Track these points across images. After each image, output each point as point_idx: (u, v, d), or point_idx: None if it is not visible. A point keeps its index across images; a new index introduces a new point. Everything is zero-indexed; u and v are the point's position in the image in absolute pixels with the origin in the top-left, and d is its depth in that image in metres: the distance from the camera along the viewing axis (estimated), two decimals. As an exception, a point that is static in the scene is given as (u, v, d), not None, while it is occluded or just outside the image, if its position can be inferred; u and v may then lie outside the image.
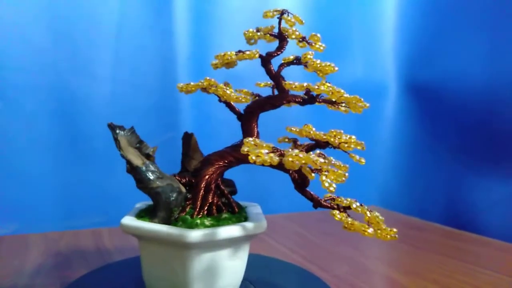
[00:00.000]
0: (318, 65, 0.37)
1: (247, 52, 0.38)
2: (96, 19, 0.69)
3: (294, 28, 0.38)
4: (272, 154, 0.29)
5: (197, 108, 0.75)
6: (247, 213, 0.39)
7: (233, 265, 0.36)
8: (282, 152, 0.30)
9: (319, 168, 0.31)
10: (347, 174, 0.32)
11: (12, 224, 0.66)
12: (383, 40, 0.92)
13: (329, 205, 0.35)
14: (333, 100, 0.37)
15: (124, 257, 0.53)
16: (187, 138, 0.43)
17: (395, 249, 0.64)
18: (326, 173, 0.31)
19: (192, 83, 0.39)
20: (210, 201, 0.37)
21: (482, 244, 0.66)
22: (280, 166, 0.33)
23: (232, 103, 0.40)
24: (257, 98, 0.41)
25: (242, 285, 0.41)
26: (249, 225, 0.35)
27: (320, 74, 0.37)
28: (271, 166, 0.32)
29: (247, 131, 0.39)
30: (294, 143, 0.41)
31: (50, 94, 0.67)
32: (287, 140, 0.42)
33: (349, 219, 0.32)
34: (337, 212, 0.33)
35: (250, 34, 0.39)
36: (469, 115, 0.78)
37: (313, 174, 0.31)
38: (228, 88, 0.38)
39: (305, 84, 0.36)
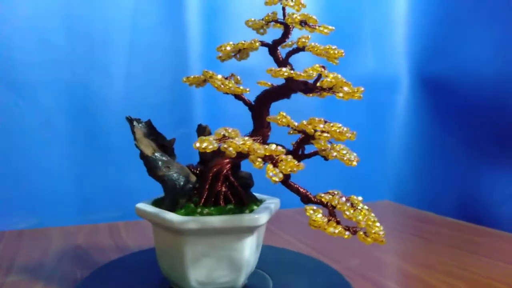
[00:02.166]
0: (323, 50, 0.36)
1: (245, 42, 0.38)
2: (110, 17, 0.70)
3: (291, 12, 0.37)
4: (213, 142, 0.30)
5: (209, 102, 0.76)
6: (258, 207, 0.40)
7: (229, 256, 0.36)
8: (227, 140, 0.30)
9: (267, 157, 0.30)
10: (302, 164, 0.31)
11: (32, 218, 0.68)
12: (395, 33, 0.92)
13: (318, 201, 0.34)
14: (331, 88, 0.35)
15: (141, 249, 0.54)
16: (201, 131, 0.44)
17: (408, 242, 0.64)
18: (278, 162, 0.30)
19: (192, 76, 0.39)
20: (218, 191, 0.38)
21: (495, 237, 0.66)
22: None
23: (243, 95, 0.39)
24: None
25: (256, 274, 0.42)
26: (240, 217, 0.35)
27: (329, 60, 0.37)
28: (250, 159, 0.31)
29: (258, 122, 0.39)
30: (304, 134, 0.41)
31: (67, 91, 0.69)
32: (291, 132, 0.41)
33: (319, 215, 0.31)
34: (312, 208, 0.32)
35: (251, 23, 0.39)
36: (481, 108, 0.78)
37: (260, 164, 0.30)
38: (228, 80, 0.37)
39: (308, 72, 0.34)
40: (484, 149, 0.77)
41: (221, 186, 0.39)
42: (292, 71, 0.34)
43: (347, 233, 0.31)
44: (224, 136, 0.32)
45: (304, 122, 0.34)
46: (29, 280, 0.46)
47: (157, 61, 0.74)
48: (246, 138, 0.31)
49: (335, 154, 0.34)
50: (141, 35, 0.73)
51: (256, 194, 0.43)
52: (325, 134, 0.33)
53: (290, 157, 0.31)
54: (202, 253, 0.36)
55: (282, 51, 0.39)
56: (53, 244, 0.59)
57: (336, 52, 0.36)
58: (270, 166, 0.30)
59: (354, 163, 0.34)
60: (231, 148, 0.30)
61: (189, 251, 0.35)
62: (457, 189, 0.82)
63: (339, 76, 0.35)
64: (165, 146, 0.39)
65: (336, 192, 0.34)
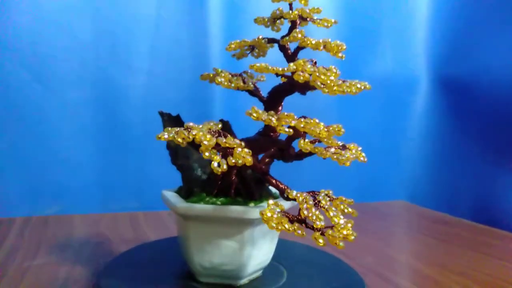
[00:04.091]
0: (321, 44, 0.36)
1: (249, 40, 0.39)
2: (134, 15, 0.72)
3: (285, 11, 0.38)
4: (172, 132, 0.32)
5: (229, 100, 0.77)
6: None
7: (230, 246, 0.37)
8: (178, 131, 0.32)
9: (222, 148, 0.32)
10: (249, 158, 0.31)
11: (55, 205, 0.71)
12: (414, 34, 0.91)
13: (292, 198, 0.34)
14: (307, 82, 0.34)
15: (159, 237, 0.56)
16: (223, 126, 0.45)
17: (422, 242, 0.65)
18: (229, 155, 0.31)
19: (206, 73, 0.41)
20: (229, 183, 0.39)
21: (510, 240, 0.65)
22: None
23: (259, 91, 0.40)
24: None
25: (271, 266, 0.43)
26: (227, 208, 0.36)
27: (333, 54, 0.37)
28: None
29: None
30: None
31: (92, 85, 0.71)
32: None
33: (276, 216, 0.30)
34: (276, 203, 0.32)
35: (259, 21, 0.41)
36: (499, 110, 0.77)
37: (212, 155, 0.31)
38: (236, 77, 0.38)
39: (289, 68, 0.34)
40: (501, 152, 0.77)
41: (233, 179, 0.40)
42: (270, 67, 0.35)
43: (299, 231, 0.30)
44: (187, 128, 0.33)
45: (274, 118, 0.34)
46: (54, 263, 0.48)
47: (178, 58, 0.76)
48: (207, 129, 0.33)
49: (330, 153, 0.33)
50: (163, 33, 0.74)
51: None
52: (287, 129, 0.33)
53: (245, 150, 0.32)
54: (203, 239, 0.37)
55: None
56: (76, 231, 0.62)
57: (334, 45, 0.36)
58: (216, 157, 0.31)
59: (348, 163, 0.33)
60: (179, 139, 0.32)
61: (192, 236, 0.38)
62: (473, 191, 0.82)
63: (321, 69, 0.34)
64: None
65: (318, 192, 0.34)
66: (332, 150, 0.34)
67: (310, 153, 0.35)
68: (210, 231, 0.37)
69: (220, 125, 0.35)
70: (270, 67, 0.35)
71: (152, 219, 0.69)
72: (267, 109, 0.39)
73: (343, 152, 0.34)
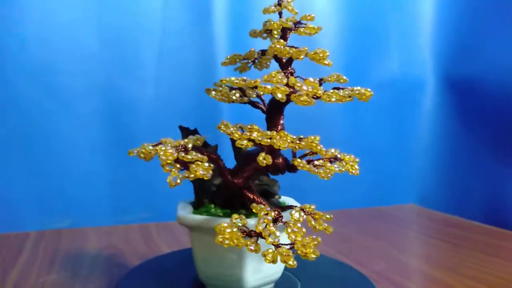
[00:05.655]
0: (302, 52, 0.36)
1: (242, 54, 0.40)
2: (140, 26, 0.73)
3: (275, 21, 0.38)
4: (148, 147, 0.34)
5: (237, 107, 0.78)
6: None
7: (230, 257, 0.37)
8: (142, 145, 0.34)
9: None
10: (203, 172, 0.32)
11: (68, 218, 0.72)
12: (421, 34, 0.91)
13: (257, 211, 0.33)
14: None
15: (172, 250, 0.57)
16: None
17: (433, 246, 0.64)
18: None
19: (207, 88, 0.41)
20: (235, 195, 0.39)
21: (524, 243, 0.65)
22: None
23: (256, 103, 0.40)
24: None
25: (283, 276, 0.43)
26: (210, 220, 0.36)
27: (318, 62, 0.37)
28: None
29: (271, 125, 0.39)
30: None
31: (100, 96, 0.72)
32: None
33: (231, 230, 0.30)
34: (238, 216, 0.32)
35: (253, 33, 0.41)
36: (509, 110, 0.77)
37: (170, 169, 0.32)
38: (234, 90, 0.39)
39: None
40: (511, 151, 0.76)
41: (238, 191, 0.40)
42: (238, 79, 0.36)
43: (251, 247, 0.29)
44: (158, 143, 0.35)
45: (236, 133, 0.34)
46: (70, 277, 0.49)
47: (185, 66, 0.76)
48: (170, 144, 0.34)
49: (307, 166, 0.34)
50: (169, 40, 0.75)
51: (288, 199, 0.44)
52: (244, 142, 0.33)
53: (203, 164, 0.33)
54: (206, 249, 0.38)
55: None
56: (89, 243, 0.62)
57: (314, 53, 0.36)
58: (174, 171, 0.32)
59: (329, 176, 0.33)
60: (142, 155, 0.34)
61: (196, 245, 0.39)
62: (484, 192, 0.82)
63: (293, 80, 0.34)
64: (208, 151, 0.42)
65: (296, 207, 0.33)
66: (316, 162, 0.34)
67: (293, 167, 0.35)
68: (211, 241, 0.37)
69: (198, 141, 0.36)
70: (236, 80, 0.36)
71: (164, 230, 0.70)
72: (268, 119, 0.39)
73: (329, 164, 0.34)
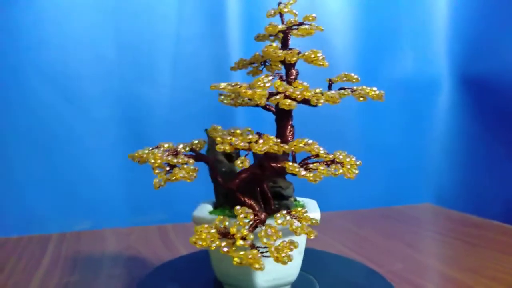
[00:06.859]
0: (292, 55, 0.37)
1: (248, 59, 0.42)
2: (156, 31, 0.75)
3: (271, 22, 0.39)
4: (145, 151, 0.37)
5: (251, 111, 0.78)
6: None
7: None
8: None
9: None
10: (185, 175, 0.33)
11: (87, 220, 0.73)
12: (435, 33, 0.90)
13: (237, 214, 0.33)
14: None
15: (189, 251, 0.58)
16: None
17: (451, 246, 0.64)
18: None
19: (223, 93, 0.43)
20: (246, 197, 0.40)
21: (544, 242, 0.64)
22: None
23: (271, 106, 0.41)
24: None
25: (300, 276, 0.44)
26: (222, 219, 0.35)
27: (314, 64, 0.37)
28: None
29: (280, 128, 0.39)
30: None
31: (116, 100, 0.74)
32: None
33: (212, 232, 0.31)
34: (221, 218, 0.32)
35: (258, 37, 0.43)
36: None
37: (158, 172, 0.34)
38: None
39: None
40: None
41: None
42: (225, 84, 0.38)
43: (224, 249, 0.30)
44: (156, 147, 0.37)
45: (219, 138, 0.35)
46: (91, 279, 0.50)
47: (199, 70, 0.77)
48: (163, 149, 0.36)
49: (297, 169, 0.34)
50: (184, 45, 0.76)
51: (306, 200, 0.44)
52: (223, 147, 0.34)
53: (189, 167, 0.34)
54: (216, 250, 0.38)
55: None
56: (109, 245, 0.64)
57: (307, 54, 0.37)
58: (161, 173, 0.34)
59: (317, 180, 0.33)
60: (135, 159, 0.36)
61: None
62: (502, 191, 0.81)
63: (279, 83, 0.35)
64: (231, 155, 0.43)
65: (283, 211, 0.34)
66: (311, 165, 0.35)
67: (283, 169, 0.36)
68: None
69: (199, 144, 0.38)
70: (223, 85, 0.38)
71: (181, 231, 0.71)
72: (277, 121, 0.40)
73: (322, 168, 0.34)
